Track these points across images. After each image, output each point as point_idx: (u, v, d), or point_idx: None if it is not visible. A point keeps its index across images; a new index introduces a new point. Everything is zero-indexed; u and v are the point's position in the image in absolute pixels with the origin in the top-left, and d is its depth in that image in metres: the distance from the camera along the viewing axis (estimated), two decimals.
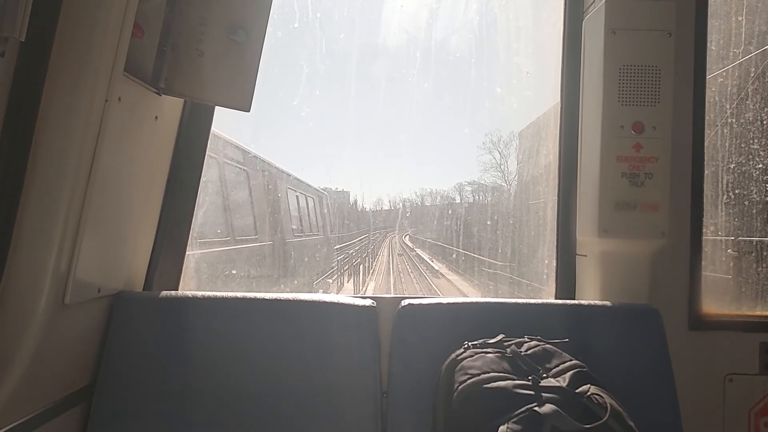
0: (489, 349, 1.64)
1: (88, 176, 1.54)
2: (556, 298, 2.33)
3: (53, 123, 1.49)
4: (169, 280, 2.17)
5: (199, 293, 1.93)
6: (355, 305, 1.91)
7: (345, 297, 1.94)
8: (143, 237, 2.03)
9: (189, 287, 2.32)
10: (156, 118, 1.85)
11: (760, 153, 2.56)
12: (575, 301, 2.07)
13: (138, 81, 1.70)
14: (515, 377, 1.52)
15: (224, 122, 2.26)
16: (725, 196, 2.50)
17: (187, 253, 2.22)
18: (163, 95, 1.82)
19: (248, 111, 1.83)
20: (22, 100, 1.45)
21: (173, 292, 1.97)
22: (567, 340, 1.71)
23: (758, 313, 2.21)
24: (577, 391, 1.47)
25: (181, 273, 2.21)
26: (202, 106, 2.12)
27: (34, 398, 1.54)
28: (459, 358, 1.65)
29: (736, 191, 2.52)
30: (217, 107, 2.14)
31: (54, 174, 1.50)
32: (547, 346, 1.67)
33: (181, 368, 1.81)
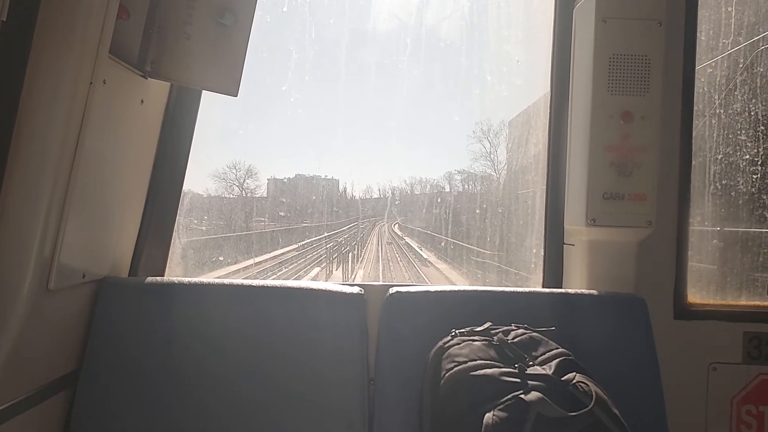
0: (476, 337, 1.65)
1: (72, 160, 1.52)
2: (543, 287, 2.34)
3: (36, 105, 1.46)
4: (155, 266, 2.16)
5: (185, 279, 1.92)
6: (343, 292, 1.91)
7: (333, 284, 1.93)
8: (129, 222, 2.01)
9: (175, 273, 2.30)
10: (142, 101, 1.83)
11: (747, 144, 2.57)
12: (562, 290, 2.08)
13: (123, 64, 1.68)
14: (502, 365, 1.53)
15: (211, 107, 2.23)
16: (712, 187, 2.52)
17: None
18: (149, 78, 1.80)
19: (236, 96, 1.81)
20: (4, 81, 1.42)
21: (159, 278, 1.96)
22: (554, 328, 1.71)
23: (742, 303, 2.23)
24: (562, 378, 1.48)
25: (167, 258, 2.20)
26: (188, 90, 2.10)
27: (17, 384, 1.52)
28: (446, 345, 1.65)
29: (723, 182, 2.54)
30: (204, 91, 2.11)
31: (37, 157, 1.48)
32: (534, 334, 1.68)
33: (167, 354, 1.80)
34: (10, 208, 1.47)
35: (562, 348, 1.64)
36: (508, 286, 2.02)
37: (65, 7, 1.47)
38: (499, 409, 1.40)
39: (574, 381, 1.47)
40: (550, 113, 2.34)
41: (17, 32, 1.42)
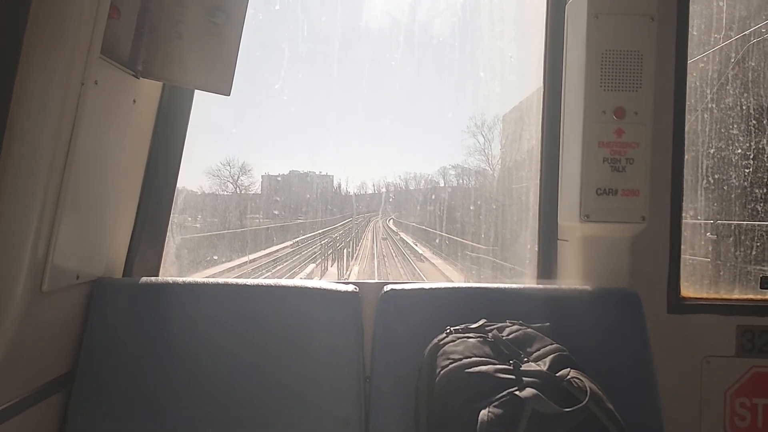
0: (471, 334, 1.65)
1: (65, 161, 1.51)
2: (537, 283, 2.34)
3: (28, 107, 1.45)
4: (149, 266, 2.15)
5: (180, 279, 1.91)
6: (337, 291, 1.91)
7: (328, 282, 1.93)
8: (122, 222, 2.00)
9: (170, 273, 2.30)
10: (134, 101, 1.82)
11: (739, 138, 2.59)
12: (557, 286, 2.08)
13: (115, 64, 1.67)
14: (497, 362, 1.53)
15: (204, 105, 2.23)
16: (705, 181, 2.53)
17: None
18: (141, 78, 1.79)
19: (228, 95, 1.81)
20: None
21: (153, 278, 1.95)
22: (548, 324, 1.72)
23: (735, 296, 2.24)
24: (557, 374, 1.49)
25: (161, 258, 2.19)
26: (181, 89, 2.08)
27: (12, 386, 1.52)
28: (441, 343, 1.65)
29: (716, 176, 2.55)
30: (196, 91, 2.10)
31: (30, 159, 1.47)
32: (529, 330, 1.68)
33: (162, 355, 1.80)
34: (2, 209, 1.46)
35: (557, 344, 1.64)
36: (503, 283, 2.03)
37: (56, 8, 1.45)
38: (494, 406, 1.41)
39: (569, 377, 1.48)
40: (543, 109, 2.34)
41: (8, 33, 1.41)
